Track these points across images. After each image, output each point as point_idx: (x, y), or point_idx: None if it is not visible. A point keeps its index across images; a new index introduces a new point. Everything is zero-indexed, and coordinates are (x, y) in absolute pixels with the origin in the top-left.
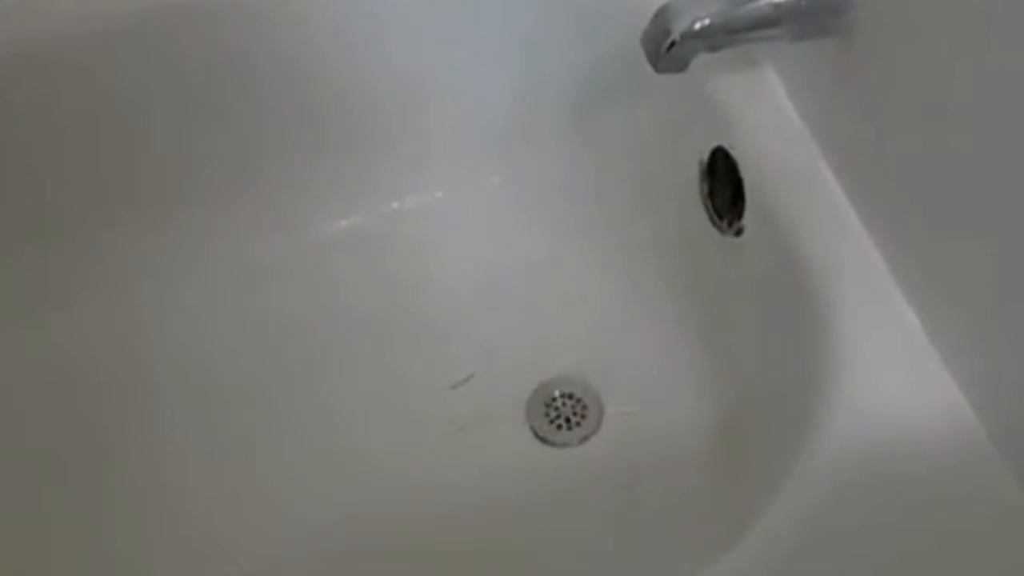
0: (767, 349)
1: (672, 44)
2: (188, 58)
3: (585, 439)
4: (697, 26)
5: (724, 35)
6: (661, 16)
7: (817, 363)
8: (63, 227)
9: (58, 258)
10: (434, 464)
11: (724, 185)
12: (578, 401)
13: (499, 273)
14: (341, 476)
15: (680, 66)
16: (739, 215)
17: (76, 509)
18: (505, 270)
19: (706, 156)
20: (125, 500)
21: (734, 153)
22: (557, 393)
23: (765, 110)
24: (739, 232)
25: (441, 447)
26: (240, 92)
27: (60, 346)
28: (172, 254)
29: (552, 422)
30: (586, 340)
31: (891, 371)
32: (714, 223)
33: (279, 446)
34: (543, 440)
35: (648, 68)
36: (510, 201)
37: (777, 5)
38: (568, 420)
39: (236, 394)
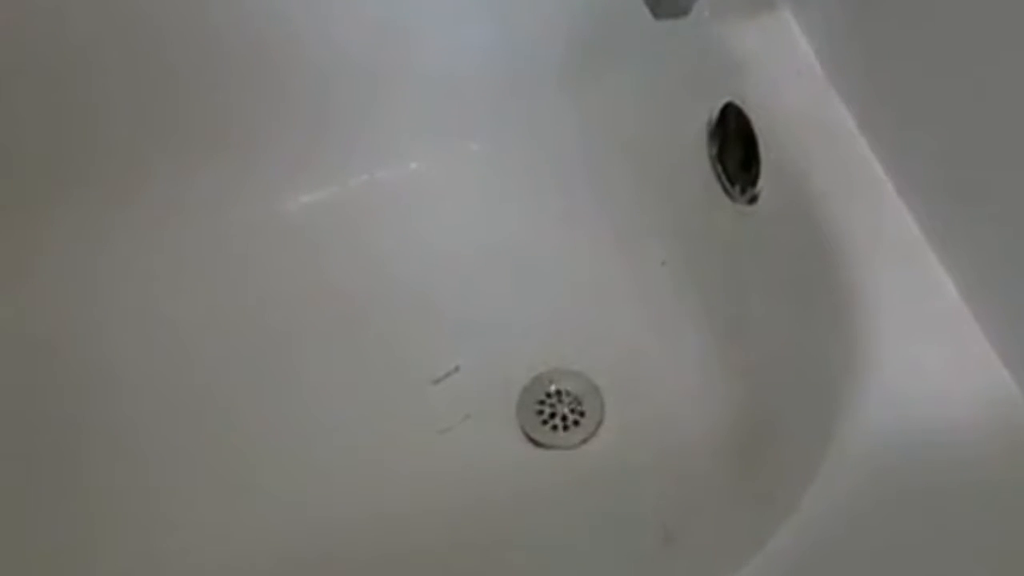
0: (788, 330)
1: None
2: (145, 22)
3: (584, 441)
4: None
5: None
6: None
7: (846, 342)
8: (13, 198)
9: (6, 234)
10: (412, 472)
11: (735, 146)
12: (575, 398)
13: (483, 253)
14: (307, 482)
15: (682, 9)
16: (753, 180)
17: (35, 502)
18: (489, 249)
19: (715, 114)
20: (87, 490)
21: (746, 109)
22: (552, 389)
23: (781, 58)
24: (753, 199)
25: (420, 452)
26: (200, 58)
27: (7, 331)
28: (132, 228)
29: (546, 422)
30: (583, 328)
31: (928, 347)
32: (725, 190)
33: (244, 446)
34: (536, 443)
35: (645, 15)
36: (492, 170)
37: None
38: (564, 419)
39: (203, 386)
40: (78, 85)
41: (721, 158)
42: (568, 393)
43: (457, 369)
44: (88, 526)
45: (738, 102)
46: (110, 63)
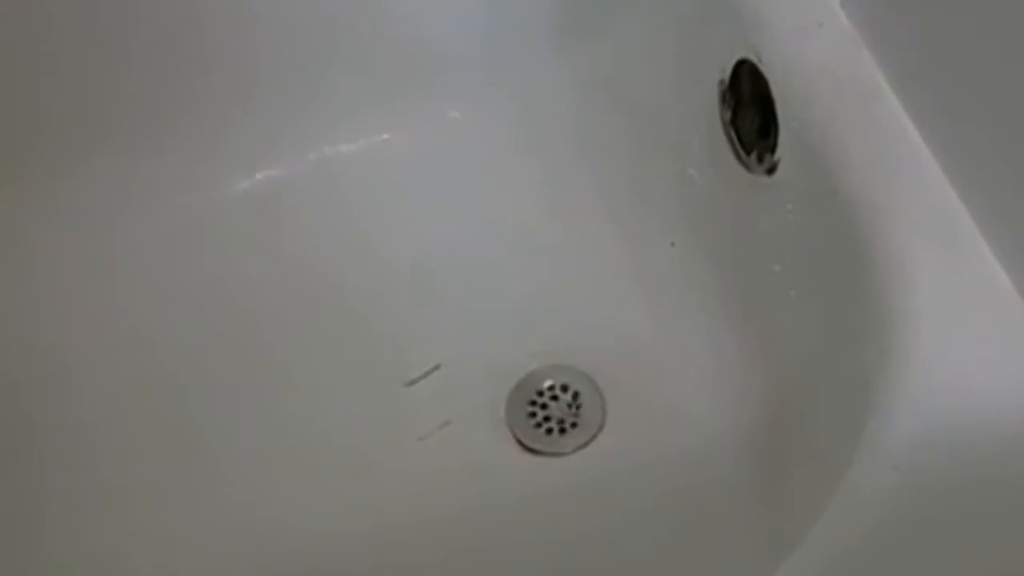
0: (814, 317)
1: None
2: (89, 3)
3: (582, 446)
4: None
5: None
6: None
7: (879, 330)
8: None
9: None
10: (385, 486)
11: (751, 110)
12: (573, 396)
13: (465, 234)
14: (275, 489)
15: None
16: (771, 147)
17: None
18: (471, 230)
19: (727, 73)
20: (45, 491)
21: (763, 67)
22: (545, 386)
23: (801, 7)
24: (772, 169)
25: (395, 463)
26: (145, 31)
27: None
28: (83, 217)
29: (539, 425)
30: (581, 318)
31: (975, 340)
32: (740, 159)
33: (209, 447)
34: (528, 448)
35: None
36: (474, 142)
37: None
38: (560, 422)
39: (165, 382)
40: (23, 71)
41: (735, 124)
42: (564, 392)
43: (436, 367)
44: (46, 527)
45: (753, 59)
46: (58, 48)
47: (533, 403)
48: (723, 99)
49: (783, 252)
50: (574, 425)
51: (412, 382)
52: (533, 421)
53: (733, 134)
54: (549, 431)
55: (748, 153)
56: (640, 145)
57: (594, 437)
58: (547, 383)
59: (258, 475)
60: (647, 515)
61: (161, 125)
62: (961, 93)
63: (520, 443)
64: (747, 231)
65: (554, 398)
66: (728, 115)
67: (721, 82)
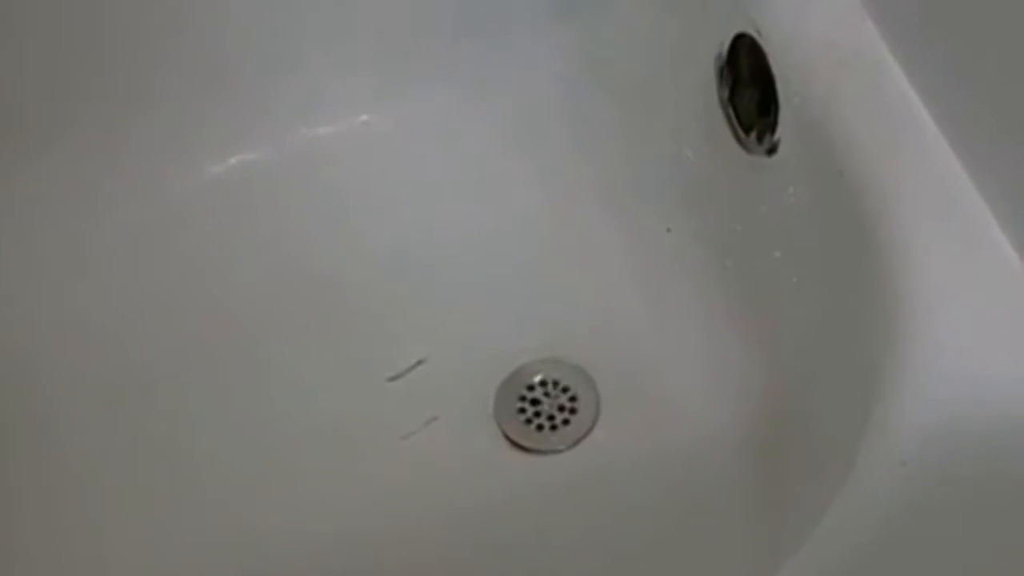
0: (817, 304)
1: None
2: None
3: (576, 443)
4: None
5: None
6: None
7: (886, 316)
8: None
9: None
10: (369, 487)
11: (750, 87)
12: (565, 391)
13: (448, 221)
14: (250, 491)
15: None
16: (771, 126)
17: None
18: (456, 217)
19: (725, 48)
20: (9, 491)
21: (762, 41)
22: (535, 381)
23: None
24: (772, 149)
25: (377, 463)
26: (114, 11)
27: None
28: (46, 203)
29: (530, 421)
30: (573, 308)
31: (986, 325)
32: (738, 140)
33: (180, 447)
34: (519, 446)
35: None
36: (458, 123)
37: None
38: (551, 418)
39: (132, 378)
40: None
41: (733, 102)
42: (556, 386)
43: (420, 362)
44: (14, 529)
45: (752, 33)
46: (19, 36)
47: (523, 398)
48: (720, 76)
49: (784, 237)
50: (566, 422)
51: (395, 377)
52: (523, 417)
53: (731, 113)
54: (540, 428)
55: (747, 133)
56: (634, 126)
57: (587, 434)
58: (538, 377)
59: (233, 475)
60: (643, 515)
61: (128, 111)
62: (968, 65)
63: (510, 440)
64: (746, 215)
65: (546, 393)
66: (726, 93)
67: (718, 57)
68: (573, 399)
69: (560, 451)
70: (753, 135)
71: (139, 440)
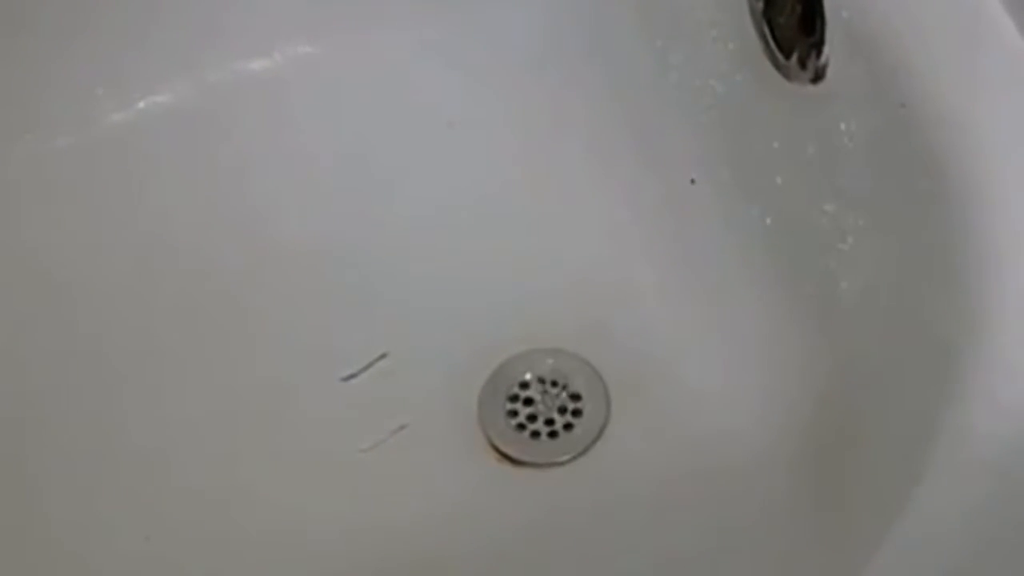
0: (875, 275)
1: None
2: None
3: (579, 454)
4: None
5: None
6: None
7: (964, 289)
8: None
9: None
10: (324, 513)
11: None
12: (564, 389)
13: (418, 179)
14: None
15: None
16: (817, 46)
17: None
18: (427, 173)
19: None
20: None
21: None
22: (527, 378)
23: None
24: (818, 75)
25: (334, 483)
26: None
27: None
28: None
29: (522, 427)
30: (572, 287)
31: None
32: (776, 64)
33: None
34: (509, 459)
35: None
36: (434, 55)
37: None
38: (549, 423)
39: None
40: None
41: (768, 16)
42: (554, 384)
43: (383, 356)
44: None
45: None
46: None
47: (514, 399)
48: None
49: (836, 186)
50: (568, 427)
51: (350, 376)
52: (514, 422)
53: (767, 30)
54: (536, 435)
55: (787, 56)
56: (650, 52)
57: (593, 443)
58: (530, 374)
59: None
60: (665, 541)
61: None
62: None
63: (498, 451)
64: (789, 160)
65: (542, 392)
66: (760, 5)
67: None
68: (576, 398)
69: (563, 463)
70: (794, 58)
71: (66, 443)
